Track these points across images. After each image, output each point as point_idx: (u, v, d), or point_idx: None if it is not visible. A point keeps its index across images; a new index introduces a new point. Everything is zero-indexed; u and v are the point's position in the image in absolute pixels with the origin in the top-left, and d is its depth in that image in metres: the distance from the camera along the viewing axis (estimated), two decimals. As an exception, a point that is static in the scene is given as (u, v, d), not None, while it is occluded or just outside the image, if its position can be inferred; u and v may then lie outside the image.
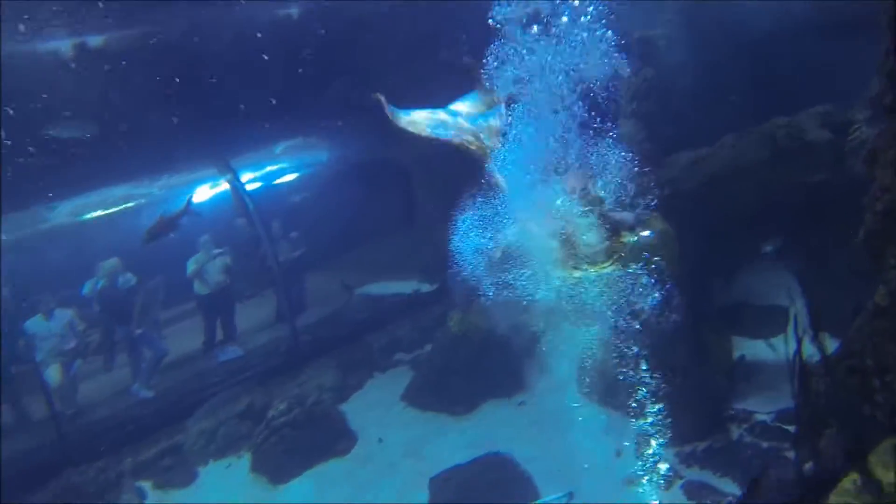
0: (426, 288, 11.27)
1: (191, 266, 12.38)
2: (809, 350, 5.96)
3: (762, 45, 12.12)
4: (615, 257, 4.05)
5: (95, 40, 12.86)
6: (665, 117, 10.72)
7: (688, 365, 9.63)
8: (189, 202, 11.09)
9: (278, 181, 14.43)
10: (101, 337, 12.14)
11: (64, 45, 12.68)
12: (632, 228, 4.60)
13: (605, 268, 4.07)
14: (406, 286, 11.38)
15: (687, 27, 12.30)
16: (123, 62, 12.61)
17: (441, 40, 11.95)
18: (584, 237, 4.24)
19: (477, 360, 11.10)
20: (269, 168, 14.04)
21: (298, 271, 13.00)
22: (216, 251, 12.46)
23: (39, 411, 10.77)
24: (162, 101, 12.51)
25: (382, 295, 12.03)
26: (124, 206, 13.34)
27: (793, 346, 6.02)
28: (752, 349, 10.31)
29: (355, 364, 12.03)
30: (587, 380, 10.88)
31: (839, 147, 9.44)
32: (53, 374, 11.07)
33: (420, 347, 12.28)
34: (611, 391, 10.29)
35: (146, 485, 10.24)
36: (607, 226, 4.34)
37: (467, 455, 9.74)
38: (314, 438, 10.25)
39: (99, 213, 13.57)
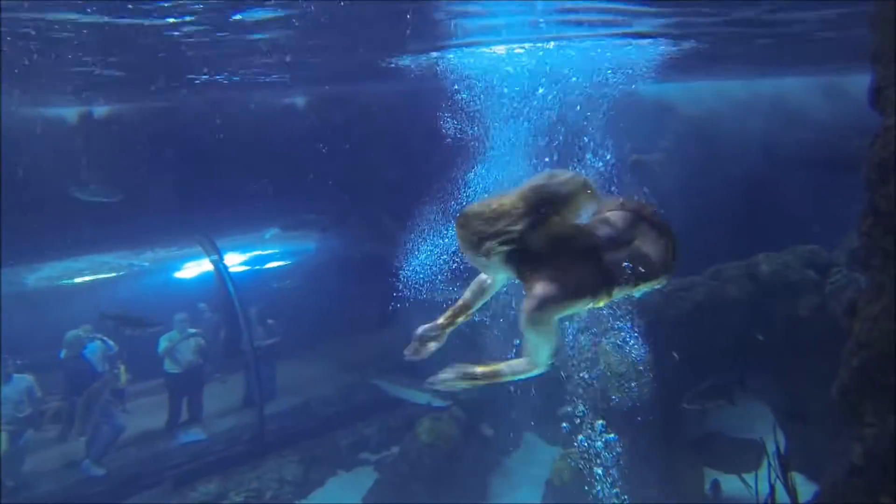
0: (438, 403, 11.11)
1: (163, 343, 12.18)
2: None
3: (755, 176, 12.55)
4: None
5: (101, 110, 13.18)
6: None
7: (658, 493, 9.45)
8: (149, 322, 11.24)
9: (263, 266, 14.43)
10: (60, 406, 11.74)
11: (70, 113, 12.98)
12: None
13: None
14: (421, 397, 11.22)
15: (683, 154, 12.76)
16: (125, 133, 12.87)
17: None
18: None
19: (444, 469, 10.85)
20: (256, 252, 14.05)
21: (270, 358, 12.80)
22: (191, 331, 12.29)
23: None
24: (157, 174, 12.67)
25: (394, 396, 11.81)
26: (106, 275, 13.22)
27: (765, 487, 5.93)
28: (725, 483, 10.13)
29: (319, 459, 11.67)
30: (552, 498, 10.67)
31: (822, 288, 9.64)
32: (1, 441, 10.62)
33: (387, 449, 11.97)
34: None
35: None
36: None
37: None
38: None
39: (79, 279, 13.44)
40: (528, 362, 3.45)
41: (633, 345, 10.29)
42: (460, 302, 3.96)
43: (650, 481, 9.35)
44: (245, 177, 12.71)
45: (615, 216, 3.74)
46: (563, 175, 3.52)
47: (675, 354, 9.32)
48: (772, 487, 5.69)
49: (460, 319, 3.92)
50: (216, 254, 12.84)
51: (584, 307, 3.56)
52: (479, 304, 4.00)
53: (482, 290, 3.97)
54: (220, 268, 12.79)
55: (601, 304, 3.60)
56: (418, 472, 10.80)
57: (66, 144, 12.35)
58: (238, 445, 11.79)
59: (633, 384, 10.02)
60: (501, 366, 3.52)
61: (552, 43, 8.44)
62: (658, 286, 3.73)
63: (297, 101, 14.96)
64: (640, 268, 3.59)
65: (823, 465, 5.83)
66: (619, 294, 3.61)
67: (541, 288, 3.34)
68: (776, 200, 12.76)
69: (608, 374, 9.89)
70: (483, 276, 3.94)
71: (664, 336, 9.59)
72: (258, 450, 11.62)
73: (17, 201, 11.19)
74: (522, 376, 3.49)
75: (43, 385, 11.44)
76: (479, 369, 3.54)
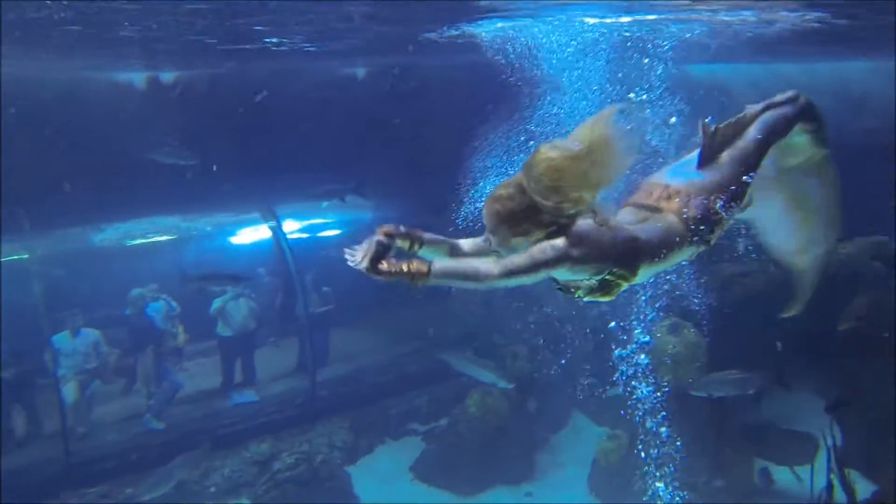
0: (504, 384, 11.11)
1: (215, 305, 12.50)
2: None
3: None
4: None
5: (167, 76, 13.42)
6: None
7: (706, 480, 9.39)
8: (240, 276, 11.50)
9: (320, 234, 14.61)
10: (124, 361, 12.20)
11: (138, 78, 13.25)
12: None
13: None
14: (487, 376, 11.21)
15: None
16: (192, 99, 13.10)
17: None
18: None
19: (491, 443, 10.95)
20: (313, 220, 14.23)
21: (324, 326, 13.01)
22: (242, 294, 12.57)
23: (52, 426, 10.76)
24: (219, 140, 12.88)
25: (460, 371, 11.83)
26: (171, 237, 13.57)
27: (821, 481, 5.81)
28: (776, 475, 9.99)
29: (368, 427, 11.88)
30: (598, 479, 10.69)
31: (889, 280, 9.36)
32: (71, 391, 11.10)
33: (435, 420, 12.10)
34: (621, 495, 10.07)
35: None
36: None
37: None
38: (315, 497, 10.09)
39: (142, 240, 13.82)
40: (494, 269, 3.00)
41: (688, 329, 10.21)
42: (445, 240, 3.51)
43: (698, 468, 9.29)
44: (305, 145, 12.82)
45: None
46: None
47: (779, 344, 9.18)
48: (829, 482, 5.59)
49: (420, 248, 3.41)
50: (274, 220, 13.06)
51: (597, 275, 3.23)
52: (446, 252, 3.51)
53: (450, 249, 3.51)
54: (278, 234, 13.01)
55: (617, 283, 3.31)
56: (466, 445, 10.93)
57: (133, 108, 12.63)
58: (290, 409, 12.05)
59: (686, 368, 9.94)
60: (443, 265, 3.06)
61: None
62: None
63: (358, 72, 15.00)
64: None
65: (883, 464, 5.71)
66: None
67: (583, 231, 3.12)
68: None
69: (662, 356, 9.83)
70: (470, 242, 3.55)
71: (719, 322, 9.45)
72: (309, 414, 11.86)
73: (82, 164, 11.51)
74: (470, 284, 3.03)
75: (108, 339, 11.91)
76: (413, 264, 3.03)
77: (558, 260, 3.05)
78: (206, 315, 12.60)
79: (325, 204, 14.02)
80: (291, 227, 13.38)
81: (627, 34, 8.44)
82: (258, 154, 12.73)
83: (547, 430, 11.96)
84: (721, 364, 9.99)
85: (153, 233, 13.90)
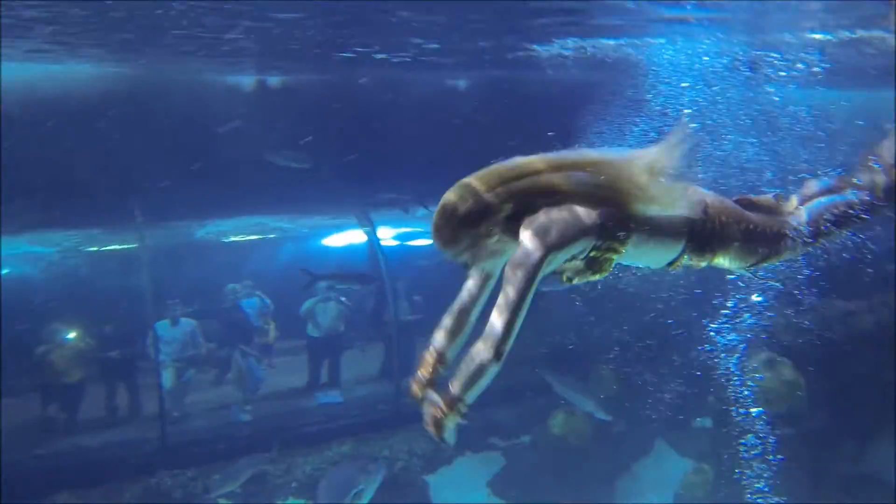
0: (602, 416, 10.97)
1: (306, 305, 12.79)
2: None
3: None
4: None
5: (274, 80, 13.88)
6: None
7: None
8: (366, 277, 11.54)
9: (413, 243, 14.79)
10: (217, 353, 12.64)
11: (247, 81, 13.74)
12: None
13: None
14: (587, 403, 11.08)
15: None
16: (299, 102, 13.48)
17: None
18: None
19: (572, 465, 10.80)
20: (406, 228, 14.43)
21: (412, 334, 13.14)
22: (333, 297, 12.82)
23: (151, 408, 11.24)
24: (321, 145, 13.20)
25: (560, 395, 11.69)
26: (268, 235, 14.01)
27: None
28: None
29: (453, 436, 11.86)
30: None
31: None
32: (169, 376, 11.58)
33: (516, 437, 12.01)
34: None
35: (226, 502, 10.42)
36: None
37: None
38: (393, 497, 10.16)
39: (243, 237, 14.32)
40: (490, 349, 2.72)
41: (786, 365, 9.83)
42: (432, 350, 3.25)
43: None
44: (406, 154, 13.02)
45: None
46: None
47: None
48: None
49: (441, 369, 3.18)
50: (370, 226, 13.30)
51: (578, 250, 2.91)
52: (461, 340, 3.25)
53: (456, 330, 3.26)
54: (372, 239, 13.25)
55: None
56: (546, 465, 10.84)
57: (244, 110, 13.11)
58: (372, 413, 12.20)
59: (779, 406, 9.55)
60: (461, 381, 2.81)
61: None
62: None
63: (460, 84, 15.15)
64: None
65: None
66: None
67: (543, 218, 2.80)
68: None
69: (756, 390, 9.50)
70: (464, 294, 3.28)
71: (820, 359, 9.09)
72: (391, 420, 11.96)
73: (192, 160, 12.00)
74: (487, 380, 2.78)
75: (203, 331, 12.38)
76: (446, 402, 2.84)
77: (537, 267, 2.73)
78: (297, 314, 12.94)
79: (420, 213, 14.22)
80: (386, 234, 13.60)
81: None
82: (358, 160, 13.01)
83: (629, 457, 11.71)
84: (820, 403, 9.60)
85: (251, 231, 14.42)
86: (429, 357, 3.22)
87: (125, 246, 12.54)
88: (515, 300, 2.72)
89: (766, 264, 3.51)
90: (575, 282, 3.08)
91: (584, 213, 2.86)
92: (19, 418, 10.77)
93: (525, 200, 2.89)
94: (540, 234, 2.77)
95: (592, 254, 2.93)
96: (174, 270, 12.70)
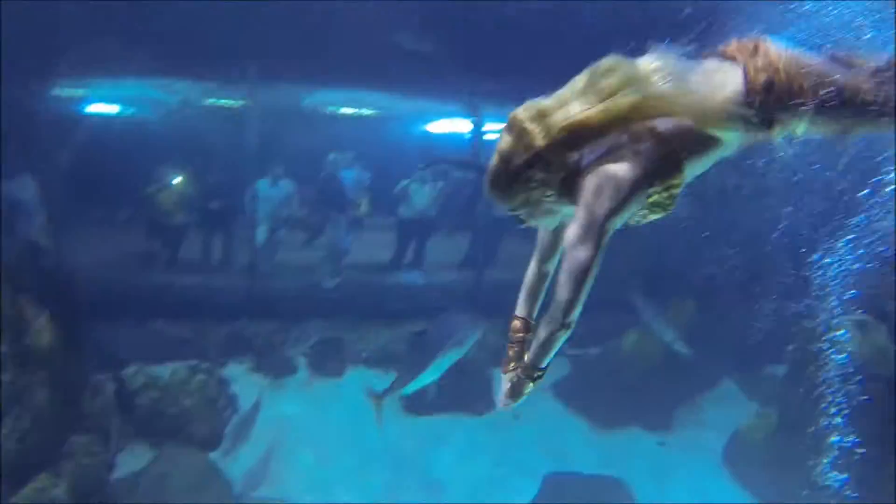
0: (682, 350, 10.73)
1: (401, 185, 12.92)
2: None
3: None
4: None
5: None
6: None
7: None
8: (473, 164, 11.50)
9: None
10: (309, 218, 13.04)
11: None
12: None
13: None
14: (668, 334, 10.82)
15: None
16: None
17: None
18: None
19: (637, 385, 10.86)
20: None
21: (501, 230, 13.17)
22: (429, 179, 12.89)
23: (242, 260, 11.83)
24: (444, 29, 12.91)
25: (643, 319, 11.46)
26: (374, 111, 14.07)
27: None
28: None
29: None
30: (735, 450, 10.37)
31: None
32: (262, 233, 12.10)
33: (586, 347, 12.12)
34: (753, 473, 9.76)
35: (302, 360, 11.05)
36: None
37: (591, 468, 9.67)
38: (458, 389, 10.51)
39: (349, 110, 14.42)
40: (557, 321, 2.57)
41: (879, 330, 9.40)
42: (518, 325, 3.05)
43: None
44: (526, 54, 12.64)
45: None
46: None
47: None
48: None
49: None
50: (476, 116, 13.18)
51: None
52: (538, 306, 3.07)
53: (538, 288, 3.07)
54: (477, 130, 13.17)
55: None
56: (610, 380, 10.89)
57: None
58: (449, 300, 12.43)
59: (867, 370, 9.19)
60: (535, 350, 2.72)
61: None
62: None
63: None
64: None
65: None
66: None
67: (595, 181, 2.54)
68: None
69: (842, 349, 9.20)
70: (538, 250, 3.05)
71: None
72: (468, 310, 12.21)
73: (307, 27, 11.94)
74: (559, 345, 2.67)
75: (300, 195, 12.77)
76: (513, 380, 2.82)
77: (599, 239, 2.52)
78: (391, 193, 13.13)
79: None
80: (492, 127, 13.46)
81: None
82: (479, 51, 12.72)
83: (693, 389, 11.66)
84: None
85: (359, 105, 14.48)
86: (514, 331, 3.03)
87: (237, 102, 12.85)
88: (578, 273, 2.53)
89: (856, 133, 2.84)
90: (642, 223, 2.83)
91: (632, 165, 2.57)
92: (127, 249, 11.55)
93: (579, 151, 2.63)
94: (594, 202, 2.53)
95: (652, 199, 2.67)
96: (280, 132, 12.98)
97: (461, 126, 13.77)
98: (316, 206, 13.08)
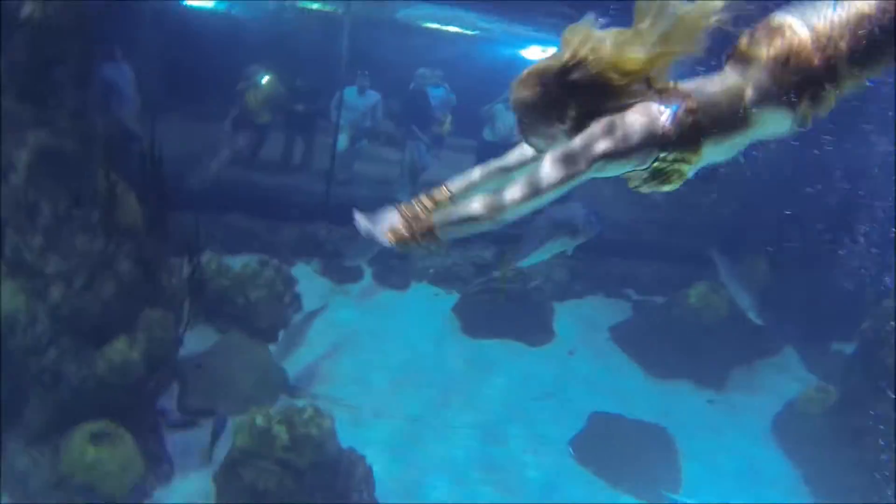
0: (755, 318, 10.10)
1: (487, 107, 12.76)
2: None
3: None
4: None
5: None
6: None
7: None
8: None
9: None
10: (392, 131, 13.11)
11: None
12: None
13: None
14: (744, 298, 10.15)
15: None
16: None
17: None
18: None
19: (696, 340, 10.72)
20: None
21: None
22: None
23: (321, 165, 12.02)
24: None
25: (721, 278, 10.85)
26: (467, 31, 13.87)
27: None
28: None
29: (585, 275, 12.01)
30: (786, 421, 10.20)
31: None
32: (343, 140, 12.23)
33: (651, 294, 12.00)
34: (803, 447, 9.59)
35: (368, 269, 11.29)
36: None
37: (637, 413, 9.67)
38: (517, 316, 10.60)
39: (442, 27, 14.23)
40: (491, 211, 2.35)
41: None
42: (444, 191, 2.74)
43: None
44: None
45: None
46: None
47: None
48: None
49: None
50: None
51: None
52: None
53: (478, 183, 2.79)
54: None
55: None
56: (671, 331, 10.75)
57: None
58: (520, 229, 12.43)
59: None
60: (446, 215, 2.46)
61: None
62: None
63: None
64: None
65: None
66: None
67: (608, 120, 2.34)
68: None
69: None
70: (512, 156, 2.79)
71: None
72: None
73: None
74: (469, 232, 2.47)
75: (385, 107, 12.79)
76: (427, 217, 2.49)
77: (580, 171, 2.32)
78: (476, 116, 13.01)
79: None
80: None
81: None
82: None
83: (753, 352, 11.40)
84: None
85: (452, 23, 14.27)
86: (436, 194, 2.75)
87: (333, 9, 12.82)
88: (537, 187, 2.34)
89: None
90: (642, 190, 2.60)
91: (653, 121, 2.38)
92: (210, 142, 11.85)
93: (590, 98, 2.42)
94: (598, 136, 2.35)
95: (658, 165, 2.46)
96: (371, 42, 12.94)
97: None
98: (400, 119, 13.09)
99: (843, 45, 2.39)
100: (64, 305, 6.55)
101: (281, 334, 9.51)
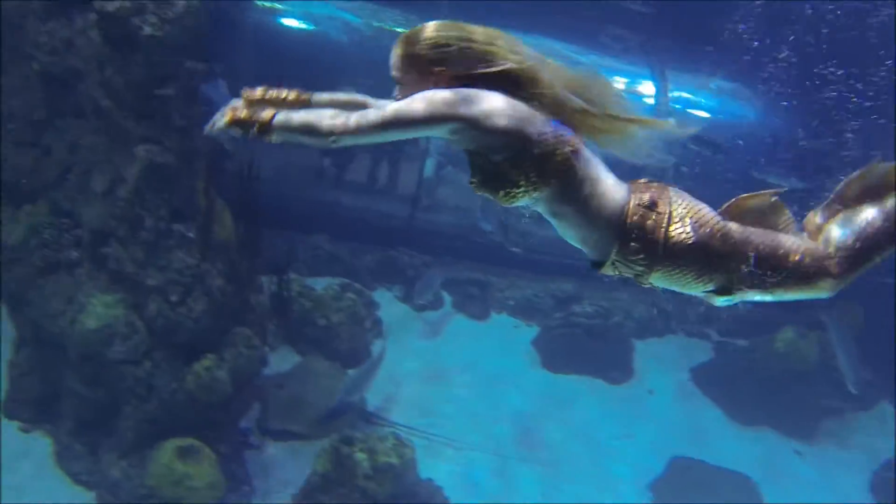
0: (853, 388, 9.41)
1: None
2: None
3: None
4: None
5: None
6: None
7: None
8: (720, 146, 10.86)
9: (691, 111, 13.99)
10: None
11: None
12: None
13: None
14: (845, 366, 9.49)
15: None
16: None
17: None
18: None
19: (782, 385, 10.29)
20: (695, 97, 13.60)
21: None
22: None
23: (406, 190, 12.09)
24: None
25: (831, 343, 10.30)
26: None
27: None
28: None
29: (666, 312, 11.74)
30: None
31: None
32: (431, 166, 12.29)
33: (733, 337, 11.60)
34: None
35: (448, 298, 11.25)
36: None
37: (719, 460, 9.33)
38: (597, 353, 10.39)
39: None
40: (335, 124, 2.29)
41: None
42: (296, 93, 2.75)
43: None
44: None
45: None
46: None
47: None
48: None
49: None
50: (663, 81, 12.71)
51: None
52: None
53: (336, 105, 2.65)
54: (658, 96, 12.73)
55: None
56: (755, 375, 10.35)
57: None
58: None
59: None
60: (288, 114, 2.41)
61: None
62: None
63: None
64: None
65: None
66: None
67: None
68: None
69: None
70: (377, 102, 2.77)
71: None
72: (621, 279, 11.96)
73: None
74: (303, 138, 2.36)
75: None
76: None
77: (412, 121, 2.28)
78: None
79: (713, 85, 13.28)
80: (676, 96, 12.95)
81: None
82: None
83: (846, 404, 10.76)
84: None
85: (541, 51, 14.19)
86: (299, 93, 2.74)
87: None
88: (398, 119, 2.29)
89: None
90: (477, 192, 2.50)
91: (530, 117, 2.37)
92: (302, 163, 12.04)
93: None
94: (476, 99, 2.31)
95: (496, 158, 2.35)
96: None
97: (644, 88, 13.29)
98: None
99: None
100: (159, 318, 6.72)
101: (361, 359, 9.52)
